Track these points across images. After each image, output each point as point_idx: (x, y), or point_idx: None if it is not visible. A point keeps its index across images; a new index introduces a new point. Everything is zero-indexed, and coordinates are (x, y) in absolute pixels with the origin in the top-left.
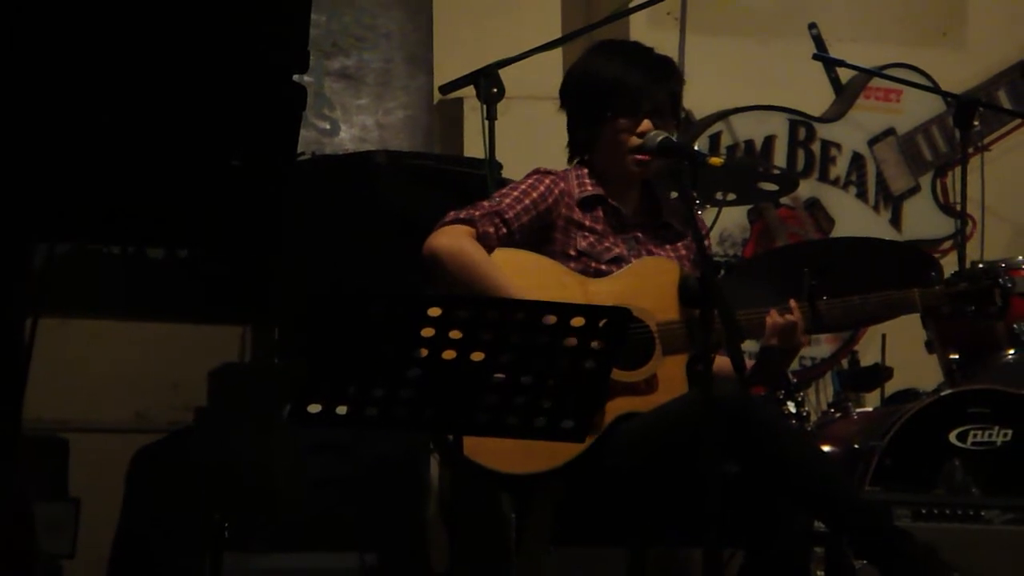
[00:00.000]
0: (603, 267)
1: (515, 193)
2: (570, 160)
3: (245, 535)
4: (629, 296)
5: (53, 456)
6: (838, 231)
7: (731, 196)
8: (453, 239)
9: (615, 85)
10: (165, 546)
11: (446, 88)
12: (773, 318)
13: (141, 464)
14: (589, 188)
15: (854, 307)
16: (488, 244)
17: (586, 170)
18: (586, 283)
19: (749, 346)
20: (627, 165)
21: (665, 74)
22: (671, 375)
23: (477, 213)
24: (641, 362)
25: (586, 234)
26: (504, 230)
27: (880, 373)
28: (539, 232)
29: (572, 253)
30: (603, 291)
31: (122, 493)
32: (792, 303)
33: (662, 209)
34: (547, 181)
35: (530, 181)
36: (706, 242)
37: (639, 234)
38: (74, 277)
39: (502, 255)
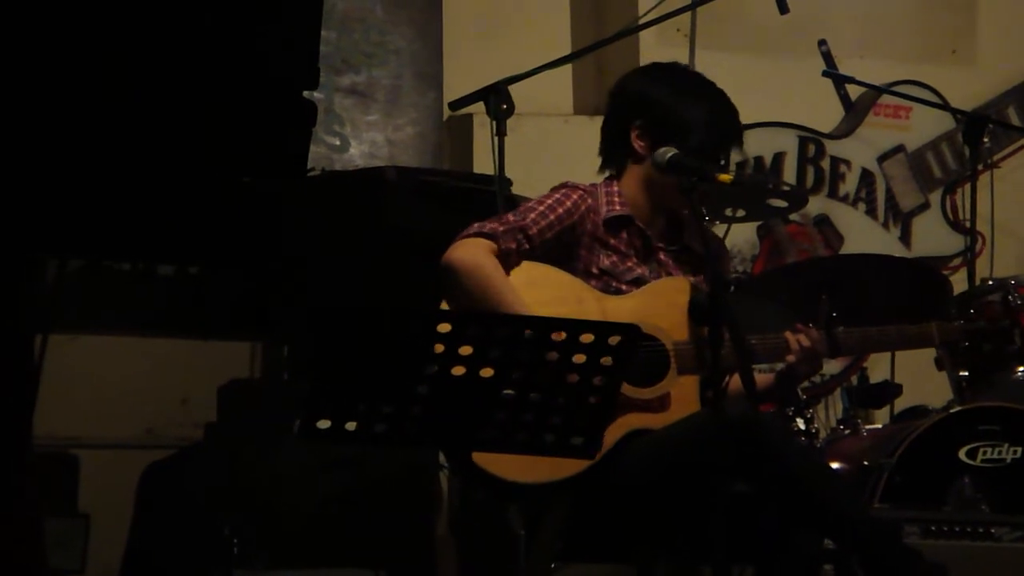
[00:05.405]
0: (623, 287)
1: (541, 208)
2: (601, 169)
3: (254, 551)
4: (646, 314)
5: (63, 472)
6: (847, 248)
7: (740, 212)
8: (472, 253)
9: (700, 134)
10: (174, 562)
11: (456, 104)
12: (797, 341)
13: (151, 480)
14: (617, 208)
15: (871, 337)
16: (509, 260)
17: (617, 188)
18: (604, 299)
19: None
20: (678, 197)
21: (740, 132)
22: (684, 394)
23: (501, 228)
24: (656, 380)
25: (609, 253)
26: (527, 246)
27: (889, 390)
28: (563, 248)
29: (595, 271)
30: (620, 308)
31: (132, 509)
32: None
33: (684, 232)
34: (574, 197)
35: (557, 196)
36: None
37: (662, 257)
38: (84, 293)
39: (522, 267)
